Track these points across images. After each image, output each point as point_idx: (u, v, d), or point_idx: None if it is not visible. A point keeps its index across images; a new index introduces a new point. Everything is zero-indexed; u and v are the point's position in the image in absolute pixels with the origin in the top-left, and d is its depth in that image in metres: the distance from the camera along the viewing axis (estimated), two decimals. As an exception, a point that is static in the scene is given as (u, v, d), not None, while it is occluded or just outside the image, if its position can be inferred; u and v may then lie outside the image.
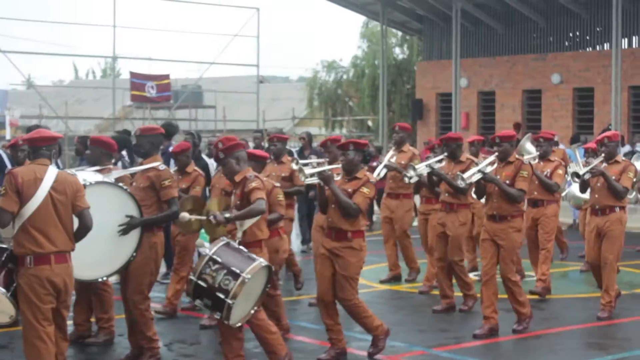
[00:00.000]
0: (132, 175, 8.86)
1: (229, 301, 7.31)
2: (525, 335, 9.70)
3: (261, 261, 7.56)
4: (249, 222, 7.84)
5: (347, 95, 42.20)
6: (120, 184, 8.29)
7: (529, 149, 11.35)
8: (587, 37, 29.49)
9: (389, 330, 8.79)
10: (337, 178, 8.64)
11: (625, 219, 10.54)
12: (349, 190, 8.46)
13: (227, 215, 7.75)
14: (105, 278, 8.40)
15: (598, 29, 28.88)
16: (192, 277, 7.50)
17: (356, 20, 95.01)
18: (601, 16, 28.22)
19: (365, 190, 8.45)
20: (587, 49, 29.56)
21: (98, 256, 7.94)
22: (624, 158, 11.05)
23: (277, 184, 9.32)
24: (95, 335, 9.40)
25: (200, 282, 7.44)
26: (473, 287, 10.92)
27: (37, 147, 6.93)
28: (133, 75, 31.79)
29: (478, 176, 9.66)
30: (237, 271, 7.36)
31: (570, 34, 29.77)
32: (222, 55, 40.53)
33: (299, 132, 38.62)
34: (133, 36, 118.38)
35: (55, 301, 6.86)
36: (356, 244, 8.49)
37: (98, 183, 8.04)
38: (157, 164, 8.42)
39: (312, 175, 8.93)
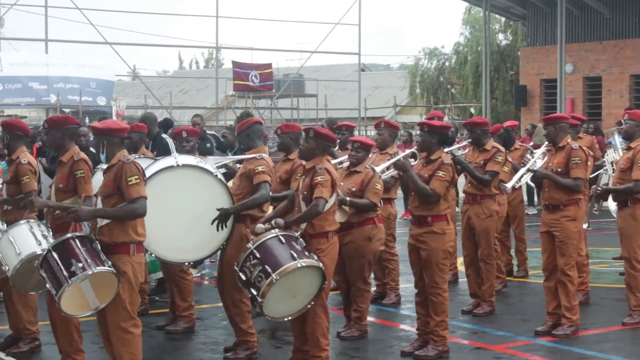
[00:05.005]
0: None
1: (259, 299, 7.20)
2: (633, 326, 9.44)
3: (298, 262, 7.26)
4: None
5: (449, 82, 41.90)
6: (215, 172, 8.31)
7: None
8: (698, 19, 28.66)
9: (447, 350, 8.36)
10: (415, 163, 8.46)
11: (495, 208, 10.00)
12: (426, 175, 8.25)
13: (288, 221, 7.69)
14: (189, 262, 8.52)
15: None
16: (235, 268, 7.47)
17: (458, 6, 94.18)
18: None
19: (441, 173, 8.19)
20: (698, 32, 28.73)
21: (189, 240, 8.01)
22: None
23: (379, 174, 9.04)
24: (174, 323, 9.46)
25: (241, 274, 7.38)
26: (494, 294, 10.33)
27: (122, 136, 7.00)
28: (236, 64, 32.09)
29: (528, 176, 9.12)
30: (269, 270, 7.19)
31: (681, 16, 28.97)
32: (323, 43, 40.67)
33: (401, 120, 38.71)
34: (235, 26, 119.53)
35: None
36: (437, 227, 8.24)
37: (189, 166, 8.10)
38: (258, 154, 8.32)
39: (387, 168, 8.66)
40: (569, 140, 9.18)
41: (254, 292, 7.25)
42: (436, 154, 8.34)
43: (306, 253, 7.41)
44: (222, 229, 7.94)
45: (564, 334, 8.99)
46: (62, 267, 6.65)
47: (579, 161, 8.97)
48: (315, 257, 7.43)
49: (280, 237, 7.43)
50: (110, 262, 6.71)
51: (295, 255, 7.32)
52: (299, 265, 7.27)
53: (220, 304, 8.60)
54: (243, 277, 7.37)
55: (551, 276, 9.18)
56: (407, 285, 11.40)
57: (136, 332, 6.84)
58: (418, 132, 8.63)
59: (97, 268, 6.63)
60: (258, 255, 7.31)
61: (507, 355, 8.44)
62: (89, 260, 6.64)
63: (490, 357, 8.46)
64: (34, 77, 28.83)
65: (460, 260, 11.88)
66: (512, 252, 12.53)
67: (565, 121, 9.23)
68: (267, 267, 7.22)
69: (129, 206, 6.73)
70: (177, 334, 9.29)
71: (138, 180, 6.73)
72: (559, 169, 9.02)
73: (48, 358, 8.43)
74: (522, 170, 9.23)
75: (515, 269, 12.55)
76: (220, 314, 10.17)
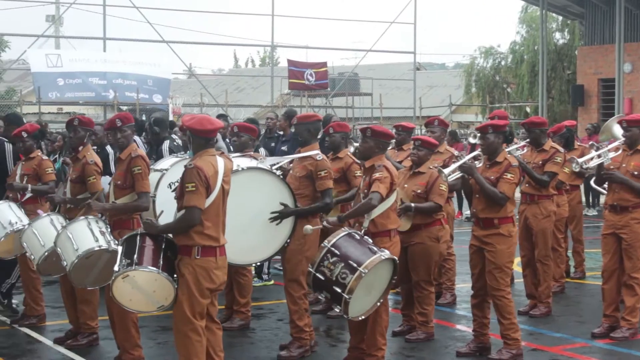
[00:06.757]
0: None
1: (346, 296, 7.08)
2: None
3: (381, 255, 7.26)
4: (376, 212, 7.61)
5: (505, 81, 41.61)
6: (276, 171, 8.33)
7: (616, 133, 9.75)
8: None
9: (522, 353, 8.29)
10: (479, 165, 8.34)
11: (552, 208, 9.98)
12: (492, 177, 8.17)
13: (340, 215, 7.73)
14: (257, 264, 8.49)
15: None
16: (310, 269, 7.34)
17: (514, 5, 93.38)
18: None
19: (509, 176, 8.13)
20: None
21: (252, 241, 8.01)
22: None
23: (444, 173, 8.54)
24: (230, 320, 9.51)
25: (318, 275, 7.24)
26: (551, 295, 10.23)
27: (207, 137, 6.68)
28: (291, 63, 32.15)
29: (597, 162, 8.93)
30: (355, 265, 7.11)
31: None
32: (378, 42, 40.64)
33: (456, 119, 38.52)
34: (291, 25, 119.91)
35: (210, 295, 6.70)
36: (504, 230, 8.17)
37: (252, 169, 8.10)
38: (315, 152, 8.29)
39: (453, 171, 8.53)
40: (600, 138, 9.02)
41: (339, 290, 7.14)
42: (501, 156, 8.27)
43: (378, 247, 7.39)
44: (277, 222, 8.01)
45: (623, 336, 8.88)
46: (118, 261, 6.68)
47: None
48: (388, 251, 7.42)
49: (353, 233, 7.43)
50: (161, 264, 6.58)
51: (374, 248, 7.32)
52: (383, 257, 7.25)
53: (277, 302, 8.63)
54: (321, 277, 7.23)
55: (610, 278, 9.08)
56: (462, 285, 11.36)
57: (194, 337, 6.58)
58: (478, 135, 8.49)
59: (138, 267, 6.55)
60: (337, 252, 7.23)
61: (565, 357, 8.38)
62: (136, 259, 6.57)
63: (547, 358, 8.40)
64: (93, 73, 29.17)
65: (516, 260, 11.80)
66: (570, 253, 12.42)
67: None
68: (350, 262, 7.16)
69: (180, 217, 6.55)
70: (233, 331, 9.34)
71: (194, 188, 6.43)
72: (635, 172, 8.88)
73: (106, 352, 8.54)
74: (594, 154, 9.08)
75: (572, 270, 12.44)
76: (278, 312, 10.23)
